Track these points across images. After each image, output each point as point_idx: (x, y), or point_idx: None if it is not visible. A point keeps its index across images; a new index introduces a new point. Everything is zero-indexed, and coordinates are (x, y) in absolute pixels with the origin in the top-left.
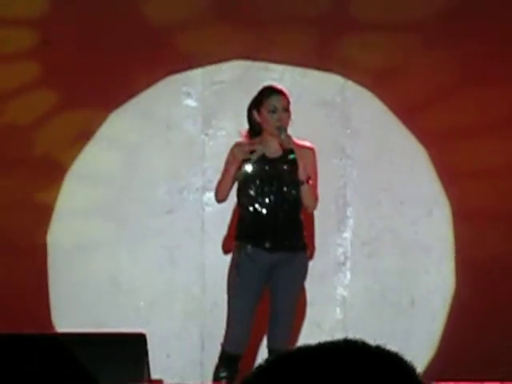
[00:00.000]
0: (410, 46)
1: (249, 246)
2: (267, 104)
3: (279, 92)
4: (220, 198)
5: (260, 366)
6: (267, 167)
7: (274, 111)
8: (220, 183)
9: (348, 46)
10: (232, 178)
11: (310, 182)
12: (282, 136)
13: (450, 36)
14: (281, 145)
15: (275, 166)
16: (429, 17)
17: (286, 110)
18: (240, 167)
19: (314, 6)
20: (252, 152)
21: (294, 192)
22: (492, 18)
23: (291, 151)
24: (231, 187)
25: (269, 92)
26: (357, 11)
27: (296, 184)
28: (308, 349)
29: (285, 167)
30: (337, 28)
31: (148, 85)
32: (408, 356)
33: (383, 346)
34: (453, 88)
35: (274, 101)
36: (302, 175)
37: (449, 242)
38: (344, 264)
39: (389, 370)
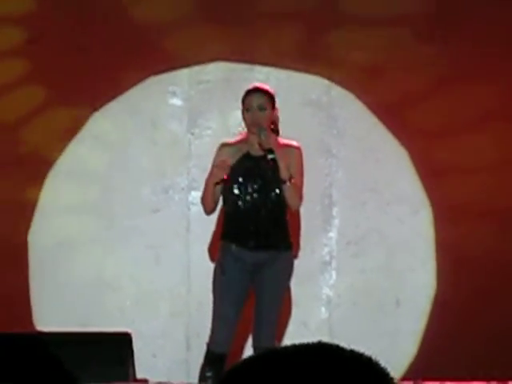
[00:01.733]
0: (397, 44)
1: (233, 246)
2: (244, 103)
3: (256, 91)
4: (208, 210)
5: (230, 369)
6: (251, 165)
7: (248, 110)
8: (204, 195)
9: (334, 44)
10: (215, 187)
11: (293, 180)
12: (262, 136)
13: (437, 33)
14: (259, 145)
15: (258, 165)
16: (416, 14)
17: (262, 108)
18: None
19: (301, 2)
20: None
21: (277, 191)
22: (480, 15)
23: (270, 151)
24: (217, 197)
25: (247, 91)
26: (344, 8)
27: (279, 183)
28: (281, 351)
29: (267, 166)
30: (323, 25)
31: (133, 84)
32: (393, 355)
33: (357, 350)
34: (438, 86)
35: (249, 99)
36: (283, 174)
37: (433, 242)
38: (329, 264)
39: (362, 374)
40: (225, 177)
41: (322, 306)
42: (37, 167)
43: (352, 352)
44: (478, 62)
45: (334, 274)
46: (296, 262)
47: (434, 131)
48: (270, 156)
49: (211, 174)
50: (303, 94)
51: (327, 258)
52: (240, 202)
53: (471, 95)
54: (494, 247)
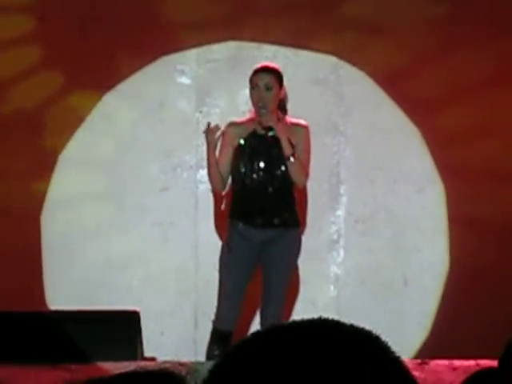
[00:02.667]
0: (403, 25)
1: (240, 224)
2: (252, 82)
3: (263, 70)
4: (215, 186)
5: (233, 347)
6: (257, 143)
7: (254, 88)
8: (208, 171)
9: (341, 25)
10: (223, 162)
11: (296, 155)
12: (261, 114)
13: (442, 11)
14: (260, 122)
15: (264, 143)
16: None
17: (268, 88)
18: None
19: None
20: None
21: (283, 168)
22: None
23: (270, 129)
24: (225, 174)
25: (255, 70)
26: None
27: (284, 160)
28: (283, 327)
29: (273, 143)
30: (329, 5)
31: (142, 65)
32: (401, 334)
33: (357, 325)
34: (442, 56)
35: (256, 78)
36: (286, 151)
37: (442, 220)
38: (337, 242)
39: (361, 348)
40: (218, 141)
41: (329, 284)
42: (47, 149)
43: (352, 327)
44: (485, 27)
45: (341, 252)
46: (304, 240)
47: (443, 102)
48: (269, 133)
49: (206, 142)
50: (311, 72)
51: (335, 236)
52: (247, 180)
53: (465, 66)
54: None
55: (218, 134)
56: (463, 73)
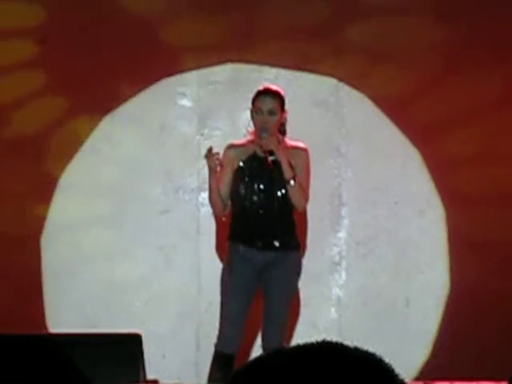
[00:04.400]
0: (403, 43)
1: (241, 246)
2: (254, 105)
3: (266, 94)
4: (216, 210)
5: (237, 371)
6: (257, 165)
7: (257, 113)
8: (209, 195)
9: (342, 49)
10: (223, 185)
11: (297, 179)
12: (262, 137)
13: (441, 25)
14: (261, 146)
15: (265, 165)
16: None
17: (272, 113)
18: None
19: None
20: None
21: (283, 191)
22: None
23: (271, 153)
24: (225, 197)
25: (257, 93)
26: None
27: (285, 183)
28: (287, 351)
29: (272, 166)
30: (331, 30)
31: (143, 88)
32: (403, 355)
33: (361, 348)
34: (444, 80)
35: (260, 103)
36: (286, 174)
37: (442, 242)
38: (339, 264)
39: (366, 371)
40: (219, 166)
41: (331, 306)
42: (48, 168)
43: (356, 349)
44: (488, 52)
45: (343, 274)
46: (305, 263)
47: (443, 125)
48: (270, 158)
49: (208, 167)
50: (311, 95)
51: (337, 258)
52: (247, 203)
53: (473, 90)
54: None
55: (218, 157)
56: (464, 97)
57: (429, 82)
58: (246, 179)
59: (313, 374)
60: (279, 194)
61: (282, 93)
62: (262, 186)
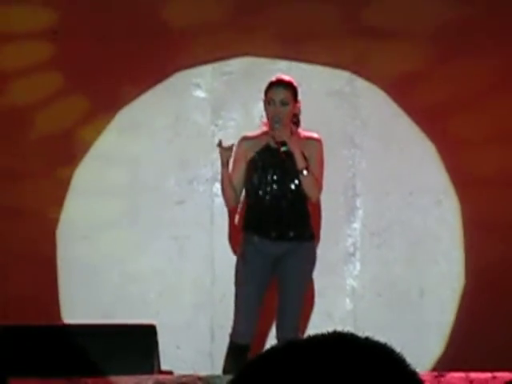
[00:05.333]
0: (419, 42)
1: (255, 237)
2: (267, 96)
3: (279, 84)
4: (229, 202)
5: (248, 363)
6: (270, 156)
7: (270, 103)
8: (221, 186)
9: (359, 45)
10: (236, 177)
11: (310, 169)
12: (276, 128)
13: (458, 29)
14: (273, 137)
15: (277, 156)
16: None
17: (284, 103)
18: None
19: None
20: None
21: (296, 181)
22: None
23: (283, 143)
24: (238, 189)
25: (270, 84)
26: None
27: (298, 174)
28: (297, 342)
29: (286, 157)
30: (347, 16)
31: (158, 80)
32: (418, 346)
33: (372, 338)
34: (452, 66)
35: (272, 93)
36: (299, 164)
37: (458, 232)
38: (353, 255)
39: (377, 362)
40: (230, 158)
41: (346, 297)
42: (66, 157)
43: (367, 340)
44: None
45: (358, 264)
46: (320, 253)
47: (451, 108)
48: (282, 148)
49: (220, 158)
50: (326, 85)
51: (351, 249)
52: (261, 193)
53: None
54: None
55: (230, 148)
56: (473, 82)
57: (440, 68)
58: (260, 170)
59: (324, 364)
60: (292, 184)
61: (295, 83)
62: (275, 177)
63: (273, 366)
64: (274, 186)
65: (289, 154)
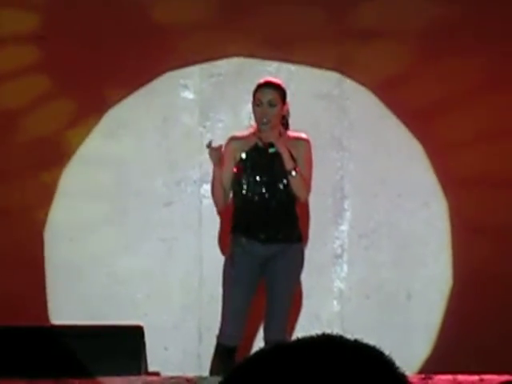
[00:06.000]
0: (406, 44)
1: (243, 238)
2: (255, 97)
3: (267, 86)
4: (219, 203)
5: (237, 365)
6: (258, 157)
7: (258, 105)
8: (212, 186)
9: (346, 46)
10: (225, 177)
11: (298, 169)
12: (263, 129)
13: (444, 29)
14: (260, 138)
15: (266, 156)
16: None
17: (272, 104)
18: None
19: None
20: None
21: (285, 182)
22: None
23: (271, 145)
24: (227, 190)
25: (258, 85)
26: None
27: (287, 175)
28: (287, 345)
29: (275, 158)
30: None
31: (146, 81)
32: (405, 348)
33: (361, 340)
34: (442, 71)
35: (260, 94)
36: (287, 165)
37: (446, 234)
38: (341, 256)
39: (367, 364)
40: (222, 160)
41: (333, 298)
42: (53, 159)
43: (356, 342)
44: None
45: (345, 266)
46: (308, 255)
47: (439, 109)
48: (270, 150)
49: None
50: (314, 87)
51: (339, 250)
52: (249, 194)
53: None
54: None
55: (219, 148)
56: (461, 83)
57: (427, 69)
58: (248, 171)
59: (313, 367)
60: (281, 185)
61: (283, 85)
62: (264, 178)
63: (262, 369)
64: (263, 188)
65: (277, 155)
